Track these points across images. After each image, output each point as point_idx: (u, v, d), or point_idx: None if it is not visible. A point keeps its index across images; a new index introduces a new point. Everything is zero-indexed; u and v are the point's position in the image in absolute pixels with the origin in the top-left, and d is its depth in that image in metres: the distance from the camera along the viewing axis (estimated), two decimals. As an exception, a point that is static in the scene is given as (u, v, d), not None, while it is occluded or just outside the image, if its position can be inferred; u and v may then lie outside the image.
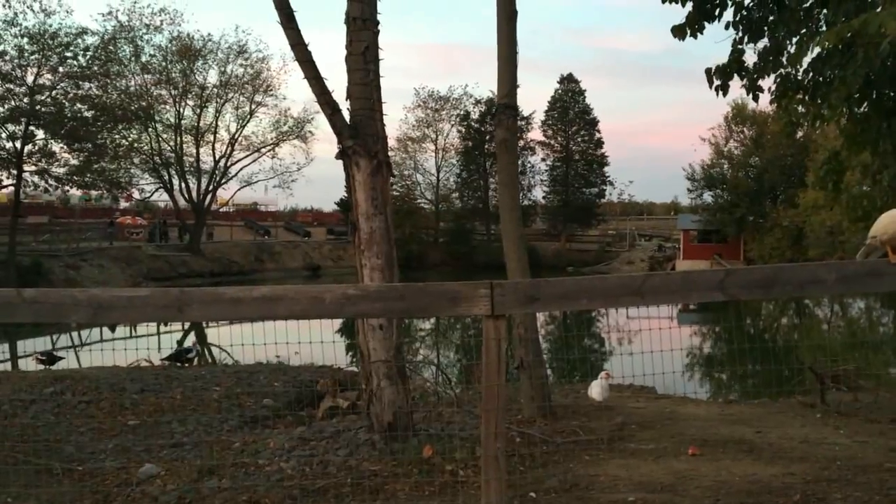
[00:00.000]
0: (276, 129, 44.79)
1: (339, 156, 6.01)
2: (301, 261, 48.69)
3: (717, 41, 8.57)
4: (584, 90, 55.12)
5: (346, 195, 45.44)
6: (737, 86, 8.70)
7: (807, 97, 9.20)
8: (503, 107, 7.12)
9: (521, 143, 53.86)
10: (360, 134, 5.89)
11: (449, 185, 55.44)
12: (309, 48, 5.99)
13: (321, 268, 48.84)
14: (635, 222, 64.16)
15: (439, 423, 7.00)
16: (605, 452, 5.68)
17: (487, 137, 52.97)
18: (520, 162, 54.53)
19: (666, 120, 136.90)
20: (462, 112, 53.83)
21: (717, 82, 8.45)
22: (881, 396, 8.40)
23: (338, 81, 6.14)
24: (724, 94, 8.55)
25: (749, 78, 8.31)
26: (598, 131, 55.18)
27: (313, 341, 4.16)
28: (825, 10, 7.11)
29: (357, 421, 6.94)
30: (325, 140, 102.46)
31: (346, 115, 6.01)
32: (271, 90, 43.86)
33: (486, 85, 77.63)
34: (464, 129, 53.72)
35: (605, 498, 4.42)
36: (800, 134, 49.18)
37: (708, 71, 8.39)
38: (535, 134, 54.34)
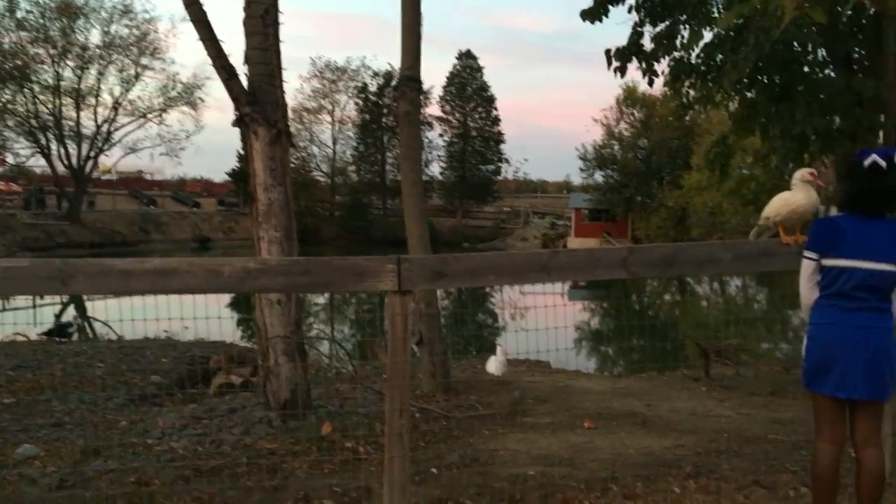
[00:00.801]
0: (164, 95, 42.76)
1: (237, 123, 5.75)
2: (190, 232, 47.02)
3: (618, 23, 8.73)
4: (482, 67, 55.51)
5: (238, 165, 44.12)
6: (633, 68, 8.90)
7: (698, 81, 9.51)
8: (406, 79, 7.00)
9: (420, 117, 53.68)
10: (259, 101, 5.64)
11: (345, 158, 54.75)
12: (204, 9, 5.69)
13: (211, 240, 47.35)
14: (529, 200, 65.33)
15: (337, 399, 6.90)
16: (504, 427, 5.73)
17: (385, 111, 52.55)
18: (417, 137, 54.53)
19: (560, 100, 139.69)
20: (360, 84, 53.14)
21: (615, 64, 8.62)
22: (761, 371, 8.84)
23: (236, 46, 5.88)
24: (622, 76, 8.74)
25: (646, 61, 8.51)
26: (495, 108, 55.75)
27: (209, 317, 3.98)
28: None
29: (252, 398, 6.75)
30: (216, 108, 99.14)
31: (244, 81, 5.76)
32: (159, 53, 41.84)
33: (384, 57, 76.97)
34: (361, 102, 53.04)
35: (504, 472, 4.45)
36: (686, 118, 51.20)
37: (607, 52, 8.54)
38: (433, 109, 54.28)
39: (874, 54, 7.45)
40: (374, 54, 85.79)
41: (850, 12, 7.62)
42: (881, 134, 7.06)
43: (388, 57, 70.40)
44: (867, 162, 3.08)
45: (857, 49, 8.56)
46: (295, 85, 53.09)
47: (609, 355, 16.19)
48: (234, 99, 5.68)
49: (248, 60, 5.76)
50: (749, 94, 8.05)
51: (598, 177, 51.66)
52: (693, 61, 9.20)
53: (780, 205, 3.75)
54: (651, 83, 9.02)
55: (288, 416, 5.72)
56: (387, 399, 3.52)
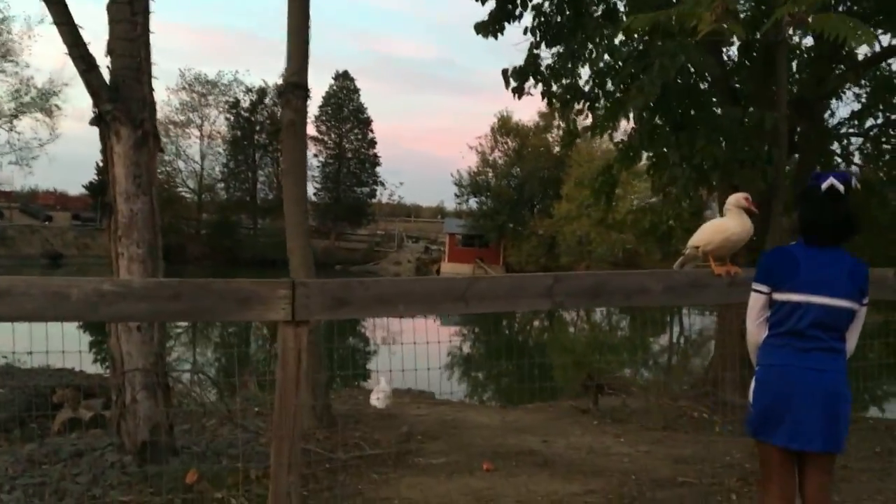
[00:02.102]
0: (16, 100, 39.69)
1: (95, 122, 4.98)
2: (40, 247, 43.69)
3: (514, 44, 8.53)
4: (359, 89, 55.02)
5: (97, 177, 41.38)
6: (530, 88, 8.69)
7: (587, 106, 9.42)
8: (292, 86, 6.40)
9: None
10: (122, 97, 4.91)
11: (214, 175, 52.56)
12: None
13: (64, 256, 44.14)
14: (403, 224, 65.15)
15: (203, 437, 6.15)
16: (394, 469, 5.20)
17: (258, 128, 51.02)
18: (291, 156, 53.14)
19: (436, 127, 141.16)
20: (232, 99, 51.34)
21: (513, 84, 8.37)
22: (648, 402, 8.73)
23: (99, 34, 5.13)
24: (520, 97, 8.50)
25: (545, 82, 8.31)
26: (372, 131, 55.36)
27: (50, 349, 3.25)
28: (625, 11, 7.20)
29: (103, 437, 5.90)
30: (73, 117, 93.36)
31: (106, 75, 5.01)
32: (11, 55, 38.81)
33: (258, 73, 75.18)
34: (232, 118, 51.22)
35: (400, 527, 3.93)
36: (556, 149, 52.82)
37: (504, 72, 8.28)
38: (309, 129, 53.06)
39: (762, 86, 7.54)
40: (247, 69, 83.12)
41: (738, 43, 7.70)
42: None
43: (263, 72, 68.79)
44: (824, 185, 2.81)
45: (739, 82, 8.72)
46: (162, 97, 50.66)
47: (490, 384, 15.92)
48: (93, 94, 4.92)
49: (110, 51, 5.02)
50: (653, 121, 7.91)
51: (473, 203, 52.20)
52: (586, 87, 9.13)
53: (711, 232, 3.47)
54: (550, 104, 8.85)
55: (145, 460, 4.96)
56: (272, 451, 2.94)
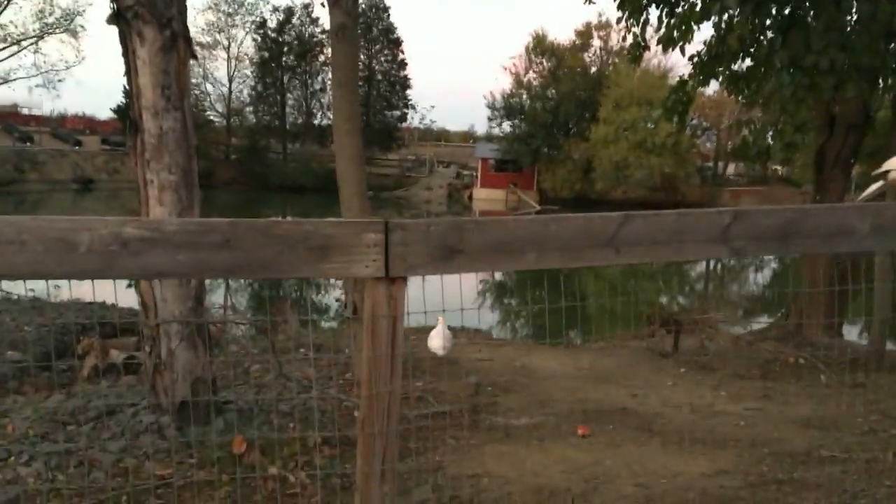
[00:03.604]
0: (40, 20, 38.72)
1: (113, 20, 4.11)
2: (70, 172, 43.33)
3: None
4: (389, 7, 53.08)
5: (124, 100, 40.58)
6: None
7: (664, 11, 8.37)
8: (342, -18, 5.45)
9: (322, 58, 51.04)
10: (146, -11, 4.03)
11: (242, 99, 51.50)
12: None
13: (94, 181, 43.79)
14: (434, 148, 63.81)
15: (248, 387, 5.48)
16: (471, 432, 4.47)
17: (286, 49, 49.65)
18: (319, 79, 51.78)
19: (467, 48, 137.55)
20: (258, 19, 49.82)
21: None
22: (721, 344, 7.93)
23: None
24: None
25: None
26: (402, 52, 53.64)
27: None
28: None
29: (137, 388, 5.26)
30: (98, 37, 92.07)
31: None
32: (33, -28, 37.69)
33: (285, -7, 73.24)
34: (260, 38, 49.83)
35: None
36: (593, 69, 50.84)
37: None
38: (337, 49, 51.54)
39: None
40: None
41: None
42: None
43: (289, -8, 67.05)
44: None
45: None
46: (188, 16, 49.21)
47: (537, 319, 15.15)
48: (110, -16, 4.04)
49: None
50: (754, 19, 6.80)
51: (506, 126, 50.77)
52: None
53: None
54: (623, 5, 7.80)
55: (186, 420, 4.28)
56: (359, 453, 2.17)
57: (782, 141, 6.48)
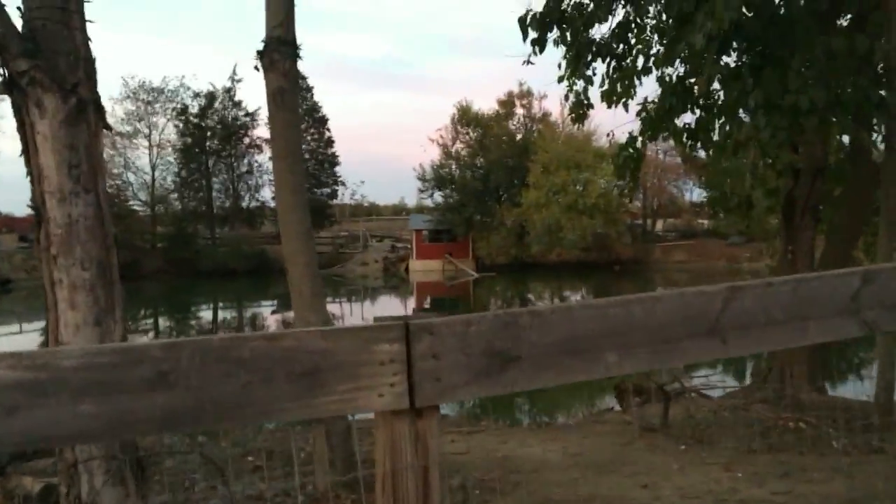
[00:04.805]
0: (-54, 115, 37.07)
1: (5, 88, 3.39)
2: (-13, 273, 41.06)
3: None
4: (312, 87, 53.01)
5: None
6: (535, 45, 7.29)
7: (611, 63, 8.06)
8: (276, 41, 4.83)
9: (247, 140, 50.42)
10: (44, 50, 3.33)
11: (167, 185, 50.14)
12: None
13: (12, 281, 41.62)
14: (366, 223, 63.30)
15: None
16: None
17: (209, 133, 48.89)
18: (245, 161, 51.00)
19: (391, 125, 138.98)
20: (179, 105, 48.98)
21: (532, 35, 6.93)
22: (708, 412, 7.36)
23: None
24: (541, 50, 7.06)
25: (573, 28, 6.87)
26: (328, 130, 53.46)
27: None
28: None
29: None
30: (11, 129, 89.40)
31: (18, 21, 3.43)
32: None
33: (205, 77, 72.87)
34: (181, 125, 48.90)
35: None
36: (518, 136, 51.52)
37: (522, 20, 6.80)
38: (262, 131, 51.06)
39: (866, 9, 6.08)
40: (193, 73, 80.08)
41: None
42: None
43: (211, 75, 66.70)
44: None
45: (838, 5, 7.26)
46: (106, 106, 47.98)
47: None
48: (1, 47, 3.33)
49: (23, -14, 3.43)
50: (721, 56, 6.39)
51: (438, 197, 50.78)
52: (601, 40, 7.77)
53: None
54: (577, 59, 7.42)
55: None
56: None
57: (764, 187, 6.08)
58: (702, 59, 5.89)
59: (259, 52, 4.83)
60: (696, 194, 52.93)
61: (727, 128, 7.06)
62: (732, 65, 6.34)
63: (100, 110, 3.54)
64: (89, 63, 3.51)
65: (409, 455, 1.37)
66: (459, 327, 1.38)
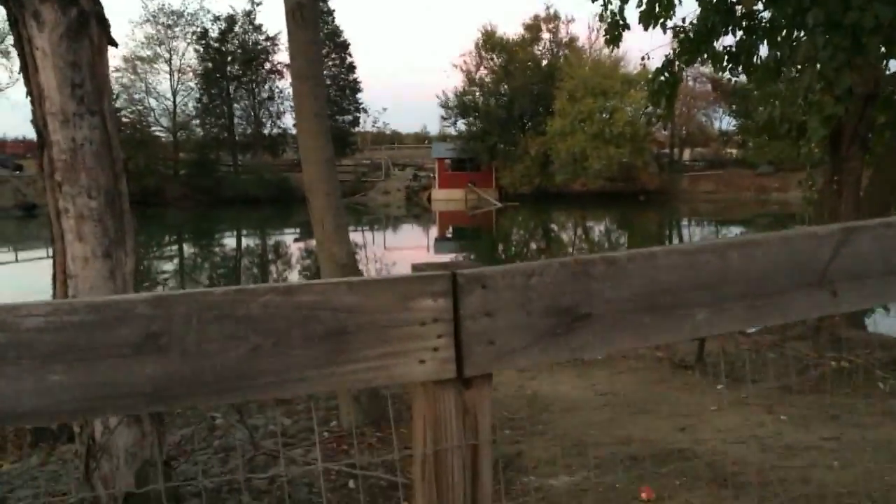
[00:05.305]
0: (-32, 40, 36.72)
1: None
2: (12, 199, 41.23)
3: None
4: (333, 10, 51.80)
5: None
6: None
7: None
8: (295, -48, 4.48)
9: (268, 65, 49.64)
10: (40, -45, 3.02)
11: (188, 112, 49.69)
12: None
13: (38, 206, 41.81)
14: (388, 152, 62.68)
15: (211, 451, 4.48)
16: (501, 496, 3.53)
17: (230, 58, 48.16)
18: (266, 87, 50.32)
19: (413, 47, 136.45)
20: (199, 29, 48.14)
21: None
22: (742, 349, 7.10)
23: None
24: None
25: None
26: (350, 55, 52.45)
27: None
28: None
29: (73, 464, 4.23)
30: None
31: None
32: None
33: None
34: (202, 49, 48.14)
35: None
36: (544, 63, 50.23)
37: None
38: (282, 56, 50.14)
39: None
40: (212, -4, 78.44)
41: None
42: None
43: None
44: None
45: None
46: (125, 31, 47.44)
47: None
48: (-10, -47, 3.02)
49: None
50: None
51: (461, 125, 49.97)
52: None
53: None
54: None
55: (134, 516, 3.28)
56: None
57: (821, 114, 5.67)
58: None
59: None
60: (725, 123, 51.79)
61: (777, 50, 6.58)
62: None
63: (103, 24, 3.24)
64: (91, -29, 3.19)
65: (455, 434, 1.13)
66: (519, 278, 1.12)
